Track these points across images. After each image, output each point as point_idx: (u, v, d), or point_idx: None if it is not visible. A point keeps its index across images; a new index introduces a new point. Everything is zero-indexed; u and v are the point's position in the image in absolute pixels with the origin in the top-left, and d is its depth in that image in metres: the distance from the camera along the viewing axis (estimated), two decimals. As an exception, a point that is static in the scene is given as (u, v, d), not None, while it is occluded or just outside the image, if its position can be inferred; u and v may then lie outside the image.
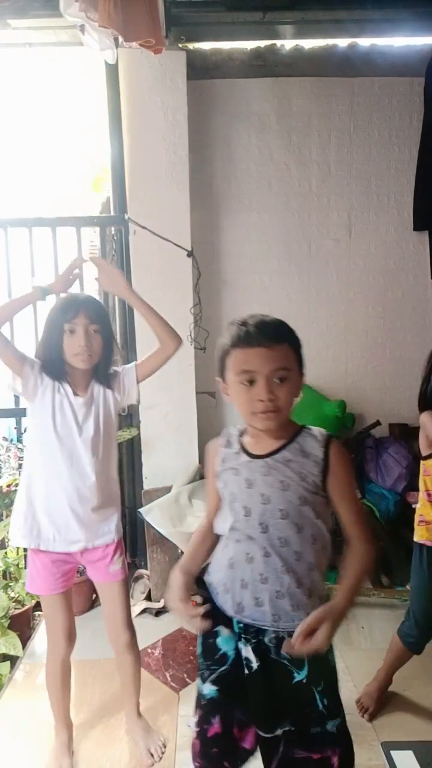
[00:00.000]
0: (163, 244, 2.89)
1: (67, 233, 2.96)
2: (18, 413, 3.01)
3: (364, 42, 2.98)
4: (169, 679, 2.32)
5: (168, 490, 2.90)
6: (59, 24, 2.64)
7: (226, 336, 1.24)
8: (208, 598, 1.31)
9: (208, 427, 3.18)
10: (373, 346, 3.28)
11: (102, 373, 1.80)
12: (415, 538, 1.91)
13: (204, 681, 1.30)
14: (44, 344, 1.75)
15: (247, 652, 1.23)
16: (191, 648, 2.51)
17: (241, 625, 1.25)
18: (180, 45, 2.83)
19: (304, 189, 3.16)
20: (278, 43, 2.99)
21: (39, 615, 2.81)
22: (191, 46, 2.91)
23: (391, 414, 3.25)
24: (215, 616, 1.28)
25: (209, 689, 1.28)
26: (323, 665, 1.23)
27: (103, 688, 2.27)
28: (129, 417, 3.07)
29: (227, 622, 1.27)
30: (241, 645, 1.25)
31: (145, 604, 2.80)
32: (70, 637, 1.85)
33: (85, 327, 1.70)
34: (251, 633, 1.23)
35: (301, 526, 1.21)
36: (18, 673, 2.36)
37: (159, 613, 2.78)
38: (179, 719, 2.08)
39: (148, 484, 3.01)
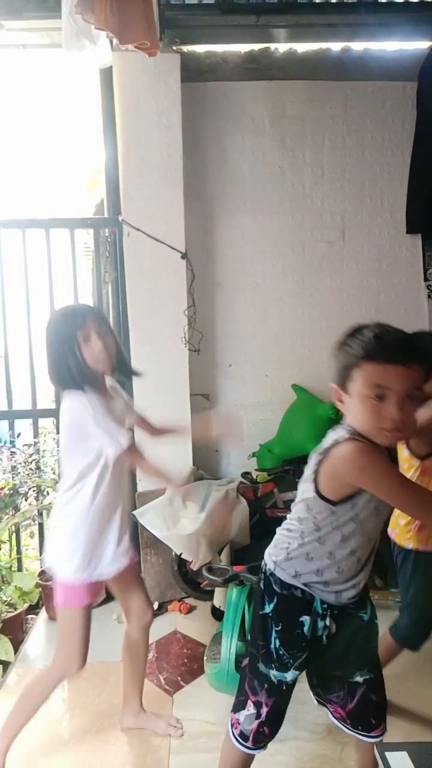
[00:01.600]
0: (157, 246, 2.88)
1: (60, 235, 2.96)
2: (12, 416, 2.99)
3: (358, 46, 2.99)
4: (162, 682, 2.32)
5: (162, 492, 2.89)
6: (54, 26, 2.64)
7: (355, 345, 1.23)
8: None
9: (202, 430, 3.18)
10: (367, 349, 3.29)
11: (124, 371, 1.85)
12: (414, 546, 1.87)
13: (287, 669, 1.41)
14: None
15: (330, 622, 1.40)
16: (185, 651, 2.50)
17: (325, 605, 1.39)
18: (174, 48, 2.83)
19: (297, 192, 3.17)
20: (272, 46, 3.00)
21: (31, 618, 2.79)
22: (185, 48, 2.92)
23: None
24: (296, 609, 1.40)
25: (293, 675, 1.42)
26: (372, 604, 1.48)
27: (96, 691, 2.26)
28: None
29: (307, 609, 1.40)
30: (322, 622, 1.40)
31: (138, 607, 2.79)
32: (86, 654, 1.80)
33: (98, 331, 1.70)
34: (334, 606, 1.40)
35: None
36: (10, 678, 2.35)
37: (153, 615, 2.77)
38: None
39: (141, 487, 3.00)
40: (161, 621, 2.74)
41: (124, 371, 1.86)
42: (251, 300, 3.21)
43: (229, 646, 2.11)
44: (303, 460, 3.14)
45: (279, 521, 2.83)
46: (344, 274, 3.24)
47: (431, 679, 2.23)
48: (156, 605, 2.81)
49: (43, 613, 2.81)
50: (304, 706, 1.87)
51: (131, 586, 1.93)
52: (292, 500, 2.92)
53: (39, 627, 2.72)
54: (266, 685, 1.43)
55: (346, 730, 1.51)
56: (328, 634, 1.41)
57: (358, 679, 1.45)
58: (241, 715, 1.45)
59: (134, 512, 2.82)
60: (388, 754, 1.03)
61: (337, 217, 3.21)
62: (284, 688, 1.43)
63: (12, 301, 3.00)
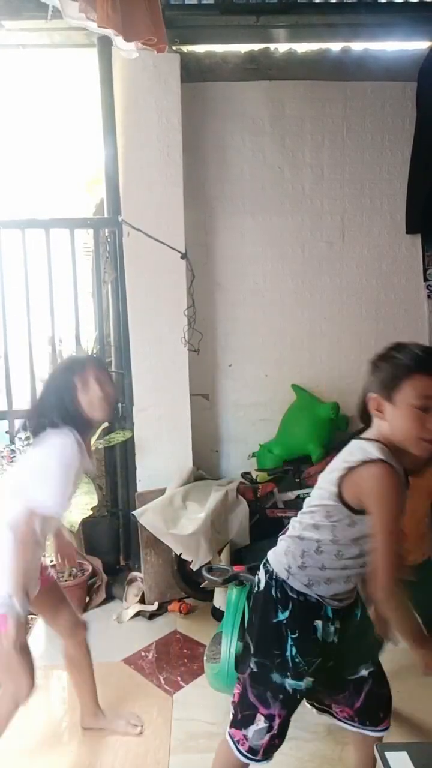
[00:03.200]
0: (157, 246, 2.88)
1: (60, 235, 2.96)
2: (12, 416, 2.99)
3: (357, 46, 2.99)
4: (162, 682, 2.32)
5: (162, 492, 2.90)
6: (53, 26, 2.64)
7: (404, 358, 1.28)
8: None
9: (202, 430, 3.18)
10: (367, 349, 3.29)
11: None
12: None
13: (303, 677, 1.40)
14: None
15: (336, 624, 1.43)
16: (185, 651, 2.50)
17: (333, 608, 1.42)
18: (174, 48, 2.83)
19: (297, 192, 3.17)
20: (272, 46, 3.00)
21: (31, 619, 2.79)
22: (185, 48, 2.92)
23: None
24: (310, 614, 1.41)
25: (308, 683, 1.41)
26: (360, 600, 1.50)
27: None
28: (123, 419, 3.07)
29: (319, 615, 1.41)
30: (332, 626, 1.42)
31: (138, 607, 2.79)
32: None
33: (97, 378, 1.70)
34: (338, 610, 1.43)
35: None
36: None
37: (153, 616, 2.77)
38: (173, 722, 2.07)
39: (141, 487, 3.00)
40: (161, 621, 2.75)
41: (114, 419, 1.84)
42: (251, 300, 3.21)
43: (229, 646, 2.11)
44: (303, 460, 3.16)
45: (279, 521, 2.86)
46: (344, 275, 3.24)
47: (431, 680, 2.23)
48: (156, 605, 2.81)
49: (42, 614, 2.81)
50: (303, 707, 1.87)
51: (56, 604, 1.91)
52: (292, 500, 2.94)
53: (39, 628, 2.72)
54: (281, 696, 1.40)
55: (353, 728, 1.52)
56: (336, 635, 1.43)
57: (364, 673, 1.49)
58: (250, 731, 1.41)
59: (134, 512, 2.82)
60: (388, 754, 1.03)
61: (337, 217, 3.21)
62: (298, 697, 1.42)
63: (12, 301, 3.00)
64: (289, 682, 1.40)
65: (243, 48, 3.00)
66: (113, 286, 3.05)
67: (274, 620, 1.41)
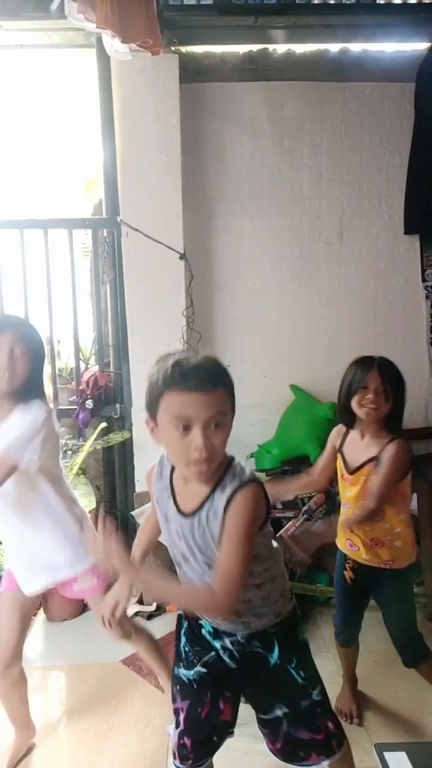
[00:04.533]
0: (156, 246, 2.89)
1: (59, 235, 2.96)
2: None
3: (356, 47, 3.00)
4: (161, 681, 2.31)
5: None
6: (51, 26, 2.64)
7: (158, 374, 1.15)
8: None
9: (201, 430, 3.18)
10: (365, 349, 3.25)
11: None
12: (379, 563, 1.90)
13: (193, 666, 1.37)
14: None
15: (227, 643, 1.34)
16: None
17: (213, 633, 1.35)
18: (172, 48, 2.83)
19: (296, 193, 3.17)
20: (270, 47, 3.00)
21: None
22: (184, 49, 2.92)
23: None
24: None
25: (200, 671, 1.36)
26: (290, 643, 1.35)
27: (94, 692, 2.26)
28: (121, 420, 3.07)
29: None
30: (219, 642, 1.35)
31: (137, 608, 2.79)
32: None
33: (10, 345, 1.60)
34: (226, 633, 1.34)
35: None
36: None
37: (151, 616, 2.77)
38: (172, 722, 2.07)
39: (140, 487, 3.00)
40: (160, 621, 2.74)
41: (26, 396, 1.65)
42: (249, 300, 3.21)
43: (228, 646, 2.11)
44: (301, 460, 3.17)
45: (277, 522, 2.86)
46: (342, 275, 3.24)
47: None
48: (154, 606, 2.81)
49: (41, 614, 2.80)
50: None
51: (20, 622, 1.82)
52: (291, 501, 2.94)
53: (37, 627, 2.72)
54: (178, 687, 1.41)
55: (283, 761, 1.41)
56: (233, 660, 1.35)
57: (278, 713, 1.35)
58: (171, 730, 1.43)
59: (132, 512, 2.82)
60: (387, 754, 1.03)
61: (335, 218, 3.21)
62: (193, 688, 1.38)
63: (10, 302, 3.00)
64: (182, 672, 1.40)
65: (241, 49, 3.01)
66: (112, 287, 3.05)
67: (178, 613, 1.45)
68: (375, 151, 3.16)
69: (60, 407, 3.05)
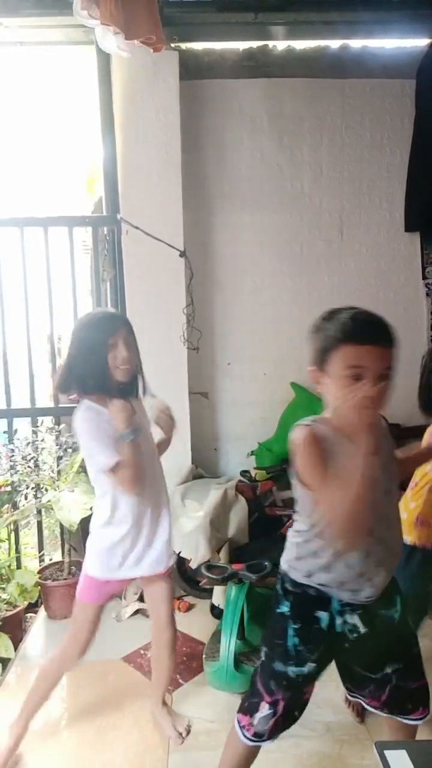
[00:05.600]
0: (156, 244, 2.88)
1: (59, 233, 2.95)
2: (11, 414, 2.98)
3: (356, 44, 2.99)
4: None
5: (160, 490, 2.89)
6: (51, 23, 2.63)
7: (333, 327, 1.28)
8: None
9: (201, 428, 3.18)
10: (365, 347, 3.29)
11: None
12: (411, 540, 1.89)
13: (305, 663, 1.41)
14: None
15: (353, 620, 1.40)
16: (184, 649, 2.50)
17: (344, 602, 1.39)
18: (172, 45, 2.82)
19: (296, 190, 3.17)
20: (270, 44, 2.99)
21: (30, 617, 2.79)
22: (183, 46, 2.91)
23: (384, 414, 3.26)
24: (311, 606, 1.41)
25: (311, 667, 1.42)
26: (402, 595, 1.46)
27: (96, 690, 2.26)
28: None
29: (324, 606, 1.41)
30: (341, 618, 1.40)
31: (137, 605, 2.79)
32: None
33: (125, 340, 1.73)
34: (354, 605, 1.39)
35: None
36: (10, 676, 2.35)
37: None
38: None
39: (140, 485, 3.00)
40: (160, 619, 2.74)
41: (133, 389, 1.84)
42: (250, 298, 3.21)
43: (228, 644, 2.11)
44: (302, 458, 3.13)
45: (278, 520, 2.86)
46: (343, 273, 3.24)
47: (430, 678, 2.23)
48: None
49: (42, 612, 2.81)
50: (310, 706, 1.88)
51: (155, 599, 1.96)
52: (291, 498, 2.94)
53: (38, 625, 2.73)
54: (284, 682, 1.43)
55: (384, 715, 1.52)
56: (353, 631, 1.40)
57: (388, 670, 1.44)
58: (255, 718, 1.45)
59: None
60: (387, 753, 1.03)
61: (336, 215, 3.20)
62: (301, 680, 1.43)
63: (10, 300, 2.99)
64: (292, 669, 1.42)
65: (241, 45, 3.00)
66: (112, 284, 3.04)
67: (277, 611, 1.45)
68: (375, 149, 3.16)
69: (60, 405, 3.05)
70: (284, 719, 1.45)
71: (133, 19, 2.11)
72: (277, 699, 1.43)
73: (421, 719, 1.48)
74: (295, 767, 1.84)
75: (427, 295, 3.27)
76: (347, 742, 1.92)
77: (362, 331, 1.25)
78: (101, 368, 1.69)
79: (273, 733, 1.46)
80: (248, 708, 1.47)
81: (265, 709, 1.44)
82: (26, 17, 2.61)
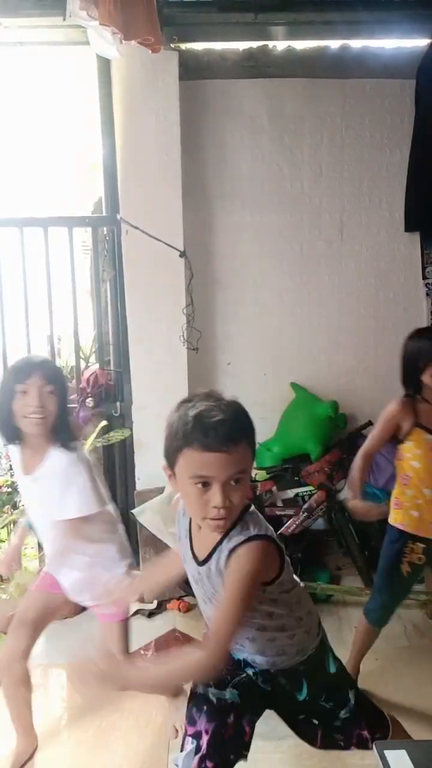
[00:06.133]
0: (156, 244, 2.88)
1: (59, 233, 2.95)
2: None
3: (356, 43, 2.98)
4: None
5: (160, 491, 2.89)
6: (51, 23, 2.63)
7: (178, 426, 1.12)
8: None
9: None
10: (365, 347, 3.29)
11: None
12: (391, 521, 2.02)
13: (224, 686, 1.33)
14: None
15: (264, 685, 1.34)
16: (184, 649, 2.50)
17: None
18: (172, 45, 2.82)
19: (296, 190, 3.16)
20: (270, 44, 2.98)
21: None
22: (183, 46, 2.90)
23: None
24: None
25: (231, 693, 1.33)
26: (319, 679, 1.35)
27: (96, 690, 2.25)
28: (121, 418, 3.07)
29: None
30: (250, 669, 1.34)
31: (137, 605, 2.79)
32: None
33: (39, 387, 1.62)
34: (252, 664, 1.34)
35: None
36: (9, 676, 2.34)
37: (152, 614, 2.77)
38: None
39: (140, 485, 3.00)
40: (160, 620, 2.75)
41: (62, 438, 1.69)
42: (250, 298, 3.21)
43: (228, 644, 2.11)
44: (302, 458, 3.16)
45: (278, 520, 2.85)
46: (343, 273, 3.24)
47: (430, 677, 2.23)
48: (155, 603, 2.81)
49: (41, 612, 2.80)
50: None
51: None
52: (291, 498, 2.95)
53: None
54: (204, 708, 1.32)
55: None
56: (264, 686, 1.35)
57: (314, 726, 1.40)
58: (180, 760, 1.30)
59: (133, 511, 2.82)
60: (387, 753, 1.03)
61: (336, 215, 3.20)
62: (223, 709, 1.32)
63: (10, 300, 2.99)
64: (212, 691, 1.33)
65: (241, 45, 2.99)
66: (112, 285, 3.04)
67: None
68: (375, 149, 3.15)
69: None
70: (212, 761, 1.26)
71: (132, 19, 2.11)
72: (198, 731, 1.30)
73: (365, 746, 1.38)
74: (295, 767, 1.84)
75: (427, 295, 3.27)
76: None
77: (204, 436, 1.08)
78: (5, 416, 1.64)
79: (210, 755, 1.27)
80: (178, 753, 1.36)
81: (188, 745, 1.30)
82: (26, 17, 2.60)
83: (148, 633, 2.62)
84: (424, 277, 3.26)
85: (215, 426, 1.08)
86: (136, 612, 2.76)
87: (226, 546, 1.18)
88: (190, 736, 1.31)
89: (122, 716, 2.11)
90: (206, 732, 1.29)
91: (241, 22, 2.79)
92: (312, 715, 1.38)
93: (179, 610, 2.78)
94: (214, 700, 1.33)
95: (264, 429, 3.17)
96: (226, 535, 1.19)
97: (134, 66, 2.74)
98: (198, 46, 2.96)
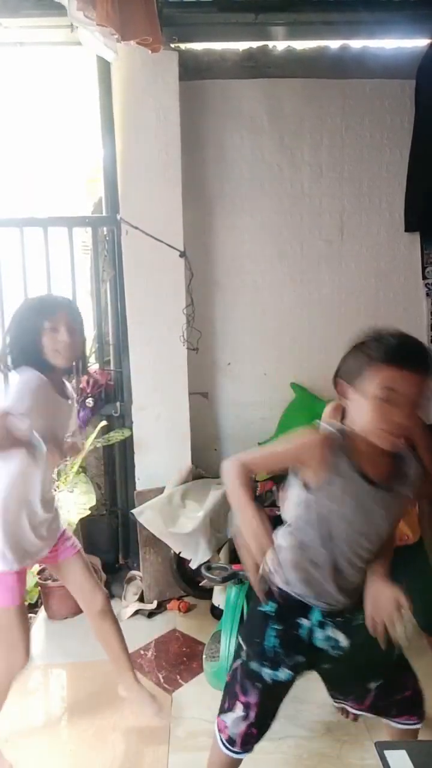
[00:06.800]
0: (156, 244, 2.88)
1: (59, 233, 2.95)
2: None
3: (356, 44, 2.99)
4: (161, 680, 2.32)
5: (161, 491, 2.90)
6: (51, 23, 2.63)
7: (376, 346, 1.27)
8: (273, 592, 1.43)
9: (201, 428, 3.18)
10: (365, 347, 3.29)
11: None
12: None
13: (279, 667, 1.40)
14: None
15: (335, 633, 1.40)
16: (184, 649, 2.51)
17: (325, 614, 1.39)
18: (172, 45, 2.82)
19: (296, 190, 3.16)
20: (270, 44, 2.99)
21: (31, 618, 2.79)
22: (183, 46, 2.91)
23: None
24: (294, 610, 1.40)
25: (286, 674, 1.40)
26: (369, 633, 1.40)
27: (95, 689, 2.26)
28: (121, 418, 3.07)
29: (305, 614, 1.40)
30: (322, 632, 1.40)
31: (137, 606, 2.79)
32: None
33: (68, 324, 1.75)
34: (335, 617, 1.39)
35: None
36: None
37: (152, 614, 2.77)
38: (172, 721, 2.07)
39: (140, 485, 3.00)
40: (160, 620, 2.75)
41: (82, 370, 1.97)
42: (250, 298, 3.21)
43: (228, 644, 2.11)
44: (302, 458, 3.13)
45: (278, 520, 2.84)
46: (343, 273, 3.24)
47: (430, 676, 2.23)
48: (155, 604, 2.81)
49: (42, 612, 2.81)
50: (303, 705, 1.88)
51: (72, 574, 1.95)
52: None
53: (38, 626, 2.73)
54: (258, 685, 1.40)
55: (370, 715, 1.53)
56: (335, 648, 1.41)
57: (371, 686, 1.44)
58: (229, 718, 1.43)
59: (133, 511, 2.82)
60: (387, 753, 1.03)
61: (336, 215, 3.20)
62: (276, 687, 1.41)
63: (10, 300, 2.99)
64: (266, 671, 1.40)
65: (241, 46, 2.99)
66: (112, 285, 3.04)
67: (260, 609, 1.44)
68: (375, 149, 3.15)
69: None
70: (257, 729, 1.42)
71: (130, 20, 2.11)
72: (249, 702, 1.41)
73: (410, 725, 1.46)
74: (295, 767, 1.84)
75: (427, 295, 3.27)
76: (347, 742, 1.92)
77: (404, 356, 1.24)
78: (36, 351, 1.72)
79: (245, 743, 1.42)
80: (226, 709, 1.45)
81: (239, 710, 1.41)
82: (26, 18, 2.61)
83: (148, 633, 2.63)
84: (424, 277, 3.26)
85: (414, 349, 1.26)
86: (136, 612, 2.77)
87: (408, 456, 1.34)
88: (241, 703, 1.41)
89: (123, 716, 2.11)
90: (256, 706, 1.40)
91: (241, 23, 2.79)
92: (378, 656, 1.40)
93: (179, 610, 2.79)
94: (269, 681, 1.40)
95: (264, 429, 3.17)
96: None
97: (134, 66, 2.74)
98: (198, 46, 2.96)
